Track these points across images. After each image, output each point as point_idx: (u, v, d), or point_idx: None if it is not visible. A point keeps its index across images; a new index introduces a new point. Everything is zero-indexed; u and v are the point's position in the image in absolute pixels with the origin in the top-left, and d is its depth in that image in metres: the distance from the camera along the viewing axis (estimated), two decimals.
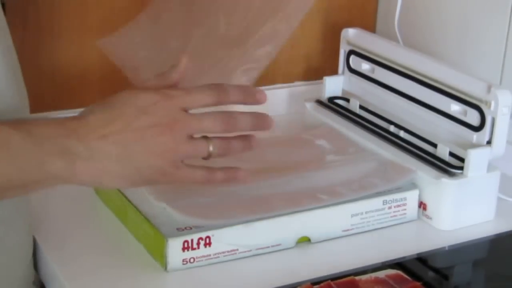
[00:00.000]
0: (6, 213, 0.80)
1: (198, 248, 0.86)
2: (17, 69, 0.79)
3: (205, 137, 0.77)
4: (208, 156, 0.78)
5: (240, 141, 0.80)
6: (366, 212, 0.95)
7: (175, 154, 0.75)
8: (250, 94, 0.80)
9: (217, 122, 0.77)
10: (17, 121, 0.71)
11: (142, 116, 0.73)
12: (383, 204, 0.96)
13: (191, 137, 0.76)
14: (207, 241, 0.86)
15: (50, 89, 1.14)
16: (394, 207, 0.97)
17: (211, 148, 0.77)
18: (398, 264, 0.89)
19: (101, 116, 0.73)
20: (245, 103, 0.79)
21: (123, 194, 0.93)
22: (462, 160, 0.97)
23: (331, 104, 1.17)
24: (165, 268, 0.85)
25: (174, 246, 0.85)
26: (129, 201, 0.91)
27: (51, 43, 1.13)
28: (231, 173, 0.81)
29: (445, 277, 0.93)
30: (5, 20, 0.78)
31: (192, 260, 0.86)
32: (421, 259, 0.93)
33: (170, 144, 0.74)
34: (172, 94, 0.75)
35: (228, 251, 0.88)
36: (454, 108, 1.01)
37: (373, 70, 1.14)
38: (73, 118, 0.73)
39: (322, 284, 0.83)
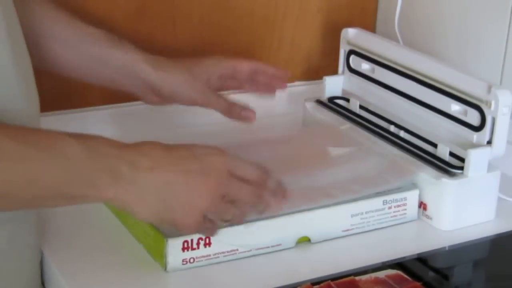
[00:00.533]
0: (16, 212, 0.80)
1: (198, 248, 0.86)
2: (30, 75, 0.81)
3: (233, 204, 0.81)
4: (226, 222, 0.82)
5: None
6: (366, 212, 0.95)
7: (207, 209, 0.79)
8: (279, 198, 0.84)
9: (249, 197, 0.81)
10: (83, 135, 0.75)
11: (194, 160, 0.78)
12: (383, 204, 0.96)
13: (223, 197, 0.80)
14: (207, 241, 0.86)
15: (50, 89, 1.14)
16: (394, 207, 0.97)
17: (230, 217, 0.82)
18: (398, 264, 0.89)
19: (157, 150, 0.77)
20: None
21: None
22: (462, 160, 0.97)
23: (331, 104, 1.17)
24: (165, 268, 0.85)
25: (174, 246, 0.85)
26: None
27: None
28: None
29: (445, 277, 0.93)
30: (21, 30, 0.80)
31: (192, 260, 0.86)
32: (421, 259, 0.93)
33: (207, 199, 0.78)
34: (227, 154, 0.80)
35: (228, 251, 0.88)
36: (454, 108, 1.01)
37: (373, 70, 1.14)
38: (133, 144, 0.77)
39: (322, 285, 0.83)
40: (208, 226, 0.81)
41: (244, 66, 1.04)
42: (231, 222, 0.83)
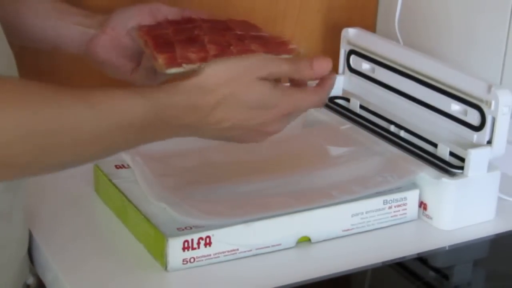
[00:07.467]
0: (2, 207, 0.80)
1: (198, 248, 0.86)
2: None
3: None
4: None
5: None
6: (367, 212, 0.95)
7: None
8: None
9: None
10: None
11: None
12: (384, 204, 0.96)
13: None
14: (207, 241, 0.86)
15: None
16: (395, 206, 0.97)
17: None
18: (398, 264, 0.89)
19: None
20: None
21: (123, 194, 0.93)
22: (462, 160, 0.97)
23: (331, 104, 1.17)
24: (165, 268, 0.85)
25: (174, 246, 0.85)
26: (129, 201, 0.91)
27: None
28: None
29: (446, 277, 0.93)
30: None
31: (192, 260, 0.86)
32: (421, 259, 0.93)
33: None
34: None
35: (228, 251, 0.88)
36: (455, 108, 1.01)
37: (373, 70, 1.14)
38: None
39: None
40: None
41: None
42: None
